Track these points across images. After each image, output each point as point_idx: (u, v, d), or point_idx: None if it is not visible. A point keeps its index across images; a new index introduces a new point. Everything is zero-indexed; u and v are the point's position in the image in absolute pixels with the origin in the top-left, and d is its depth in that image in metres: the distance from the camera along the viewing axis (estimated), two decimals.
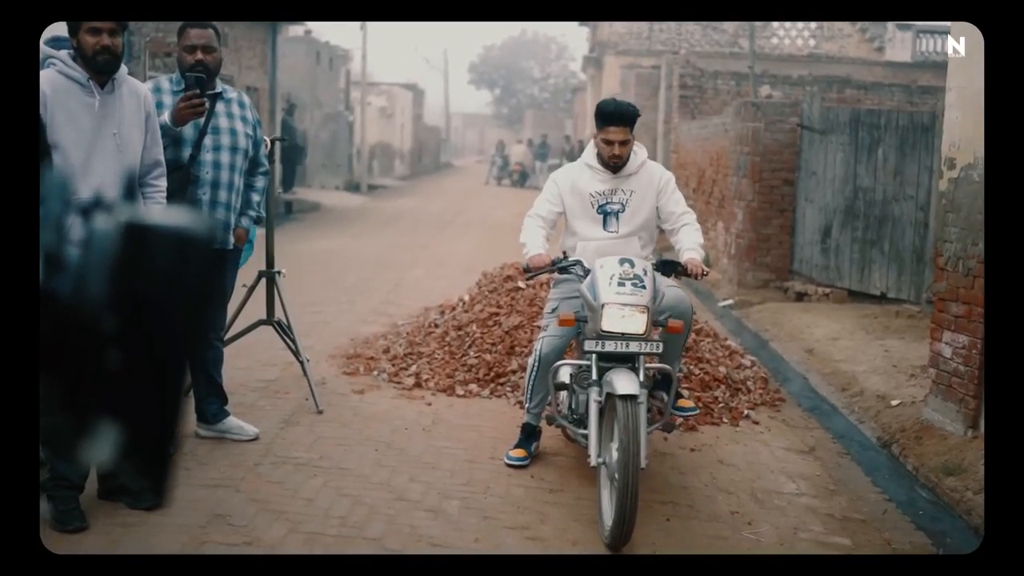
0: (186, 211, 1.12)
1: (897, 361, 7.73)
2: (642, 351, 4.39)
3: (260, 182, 5.27)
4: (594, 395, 4.40)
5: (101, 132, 4.10)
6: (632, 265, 4.46)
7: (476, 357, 6.77)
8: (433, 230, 17.67)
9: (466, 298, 7.56)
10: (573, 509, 4.71)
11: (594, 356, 4.45)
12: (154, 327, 1.09)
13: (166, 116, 4.74)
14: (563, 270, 4.87)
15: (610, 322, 4.34)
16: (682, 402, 5.34)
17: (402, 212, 21.13)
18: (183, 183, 4.84)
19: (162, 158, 4.48)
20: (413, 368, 6.83)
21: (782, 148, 11.46)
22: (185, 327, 1.13)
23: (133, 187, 1.17)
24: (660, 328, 4.61)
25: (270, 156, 6.08)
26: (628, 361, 4.42)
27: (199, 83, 4.75)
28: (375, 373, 6.87)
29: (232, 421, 5.42)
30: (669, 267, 4.85)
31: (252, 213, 5.24)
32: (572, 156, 36.18)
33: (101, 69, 4.11)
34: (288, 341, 6.08)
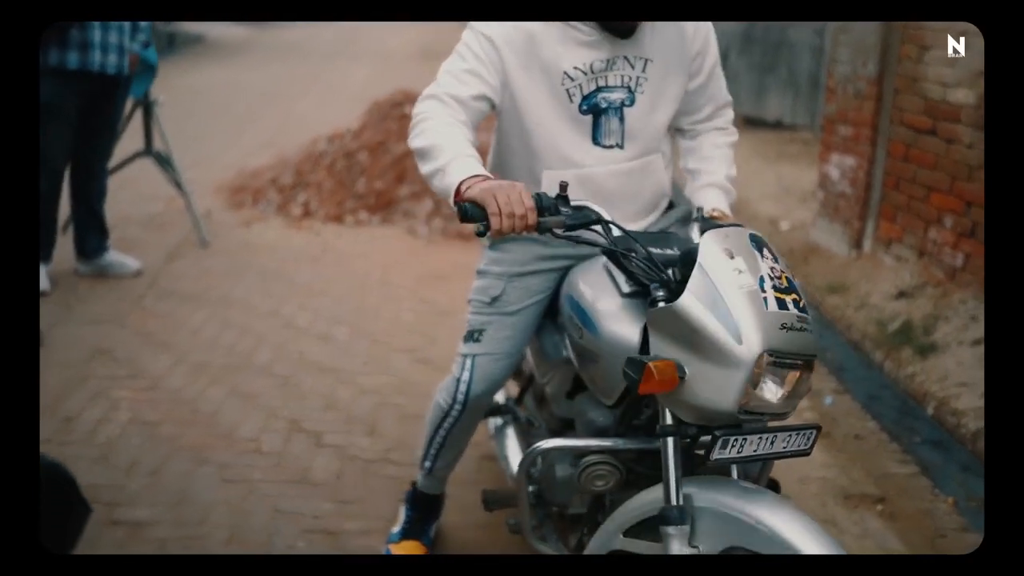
0: None
1: (789, 185, 7.83)
2: (787, 450, 2.02)
3: None
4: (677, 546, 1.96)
5: None
6: (773, 253, 2.03)
7: (365, 185, 6.64)
8: (323, 61, 17.10)
9: (354, 126, 7.35)
10: (462, 331, 4.69)
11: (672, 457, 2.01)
12: None
13: None
14: (581, 235, 2.10)
15: (770, 393, 1.94)
16: None
17: (291, 43, 20.38)
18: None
19: None
20: (301, 198, 6.67)
21: None
22: None
23: None
24: None
25: None
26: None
27: None
28: (262, 204, 6.70)
29: (113, 255, 5.26)
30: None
31: (141, 37, 4.97)
32: None
33: None
34: (169, 173, 5.85)
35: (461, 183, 2.05)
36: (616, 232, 2.10)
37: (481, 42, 2.34)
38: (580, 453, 2.31)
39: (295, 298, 5.06)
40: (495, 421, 3.15)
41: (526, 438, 2.97)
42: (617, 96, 2.42)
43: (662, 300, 1.98)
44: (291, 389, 4.02)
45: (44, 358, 4.11)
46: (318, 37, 22.05)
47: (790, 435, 1.99)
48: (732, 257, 1.94)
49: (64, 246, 5.22)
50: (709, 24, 2.53)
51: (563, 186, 2.07)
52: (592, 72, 2.38)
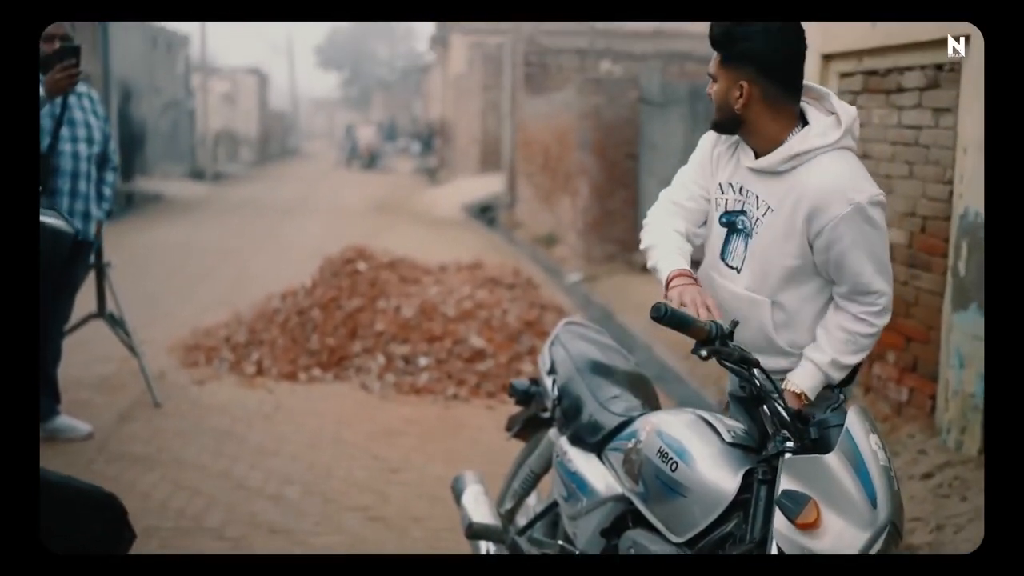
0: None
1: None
2: None
3: (111, 176, 5.25)
4: None
5: None
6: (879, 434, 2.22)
7: (318, 342, 6.68)
8: (279, 216, 17.34)
9: (307, 283, 7.43)
10: (415, 487, 4.70)
11: None
12: None
13: (41, 89, 4.58)
14: (733, 363, 2.30)
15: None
16: None
17: (248, 199, 20.66)
18: (44, 173, 4.76)
19: None
20: (255, 356, 6.68)
21: (624, 123, 11.64)
22: None
23: None
24: None
25: None
26: None
27: (75, 52, 4.58)
28: (216, 363, 6.70)
29: (63, 420, 5.22)
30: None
31: (106, 206, 5.22)
32: (422, 137, 35.94)
33: None
34: (121, 335, 5.86)
35: (669, 276, 2.52)
36: (761, 381, 2.28)
37: (700, 145, 2.75)
38: None
39: (247, 458, 5.03)
40: (487, 546, 3.15)
41: None
42: (744, 224, 2.61)
43: (791, 451, 2.17)
44: (242, 552, 3.96)
45: None
46: (273, 194, 22.40)
47: None
48: (872, 432, 2.15)
49: None
50: (861, 199, 2.44)
51: (734, 324, 2.32)
52: (736, 191, 2.60)
